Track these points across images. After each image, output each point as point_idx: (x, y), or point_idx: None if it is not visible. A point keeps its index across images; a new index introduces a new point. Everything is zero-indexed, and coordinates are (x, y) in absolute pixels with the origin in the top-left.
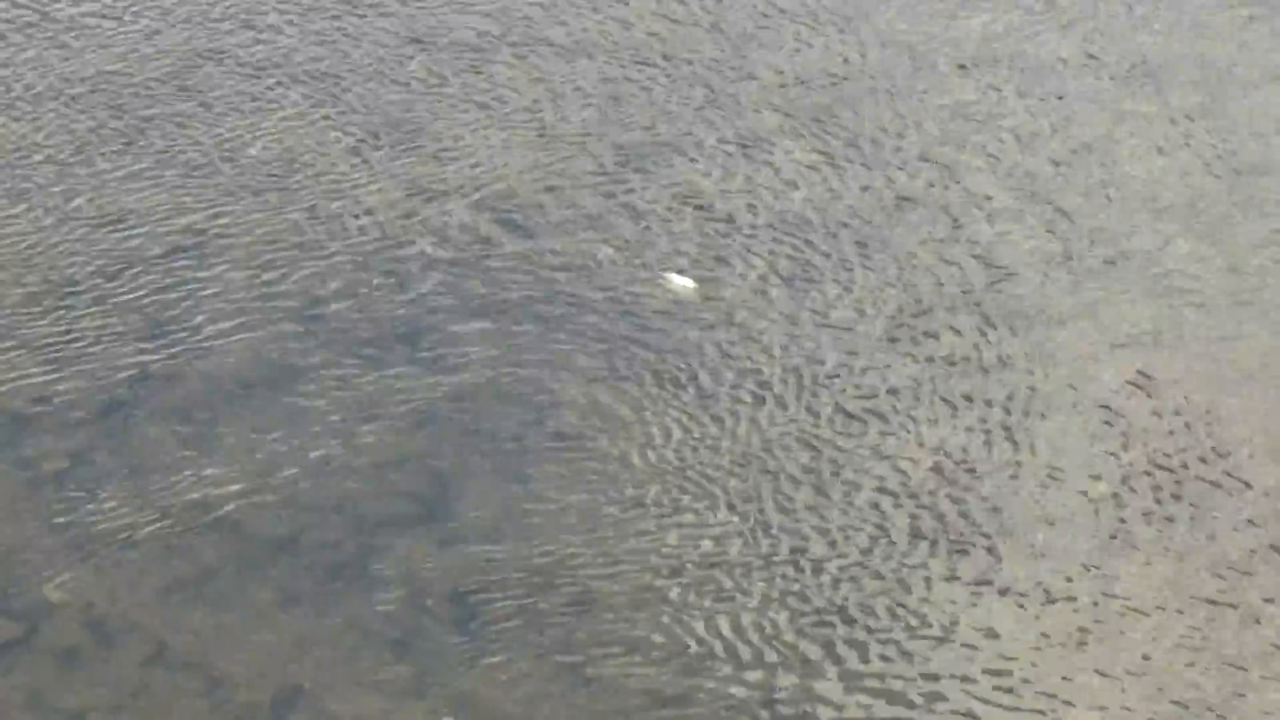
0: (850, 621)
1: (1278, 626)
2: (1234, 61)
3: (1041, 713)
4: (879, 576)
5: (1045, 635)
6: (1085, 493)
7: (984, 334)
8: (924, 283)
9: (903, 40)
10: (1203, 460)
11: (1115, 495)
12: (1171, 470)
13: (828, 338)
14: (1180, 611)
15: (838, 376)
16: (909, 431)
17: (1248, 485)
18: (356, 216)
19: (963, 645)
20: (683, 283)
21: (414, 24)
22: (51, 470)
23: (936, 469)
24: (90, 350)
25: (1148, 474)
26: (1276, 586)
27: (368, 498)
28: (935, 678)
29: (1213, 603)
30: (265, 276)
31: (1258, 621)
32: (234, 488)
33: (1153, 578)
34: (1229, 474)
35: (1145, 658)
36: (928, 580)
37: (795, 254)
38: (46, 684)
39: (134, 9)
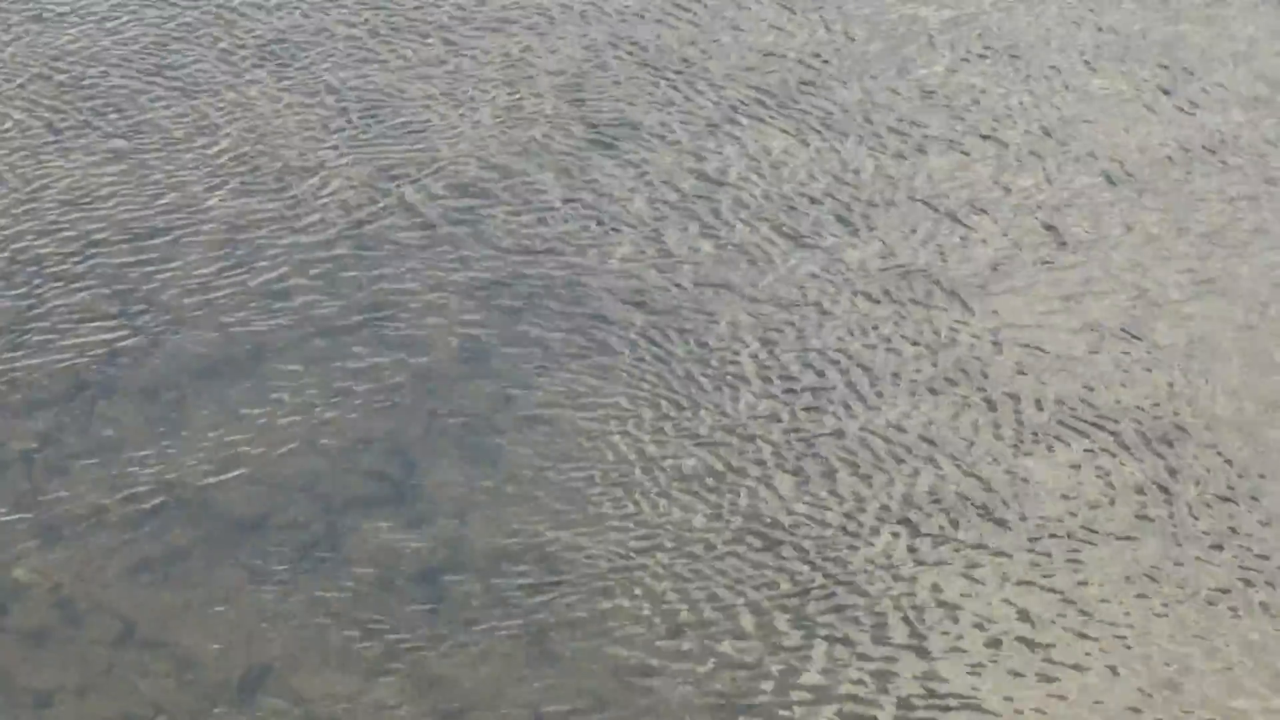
0: (826, 596)
1: None
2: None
3: None
4: (857, 553)
5: None
6: None
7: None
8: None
9: (874, 20)
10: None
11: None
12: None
13: (807, 318)
14: None
15: (813, 351)
16: (890, 409)
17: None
18: (325, 196)
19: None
20: None
21: (384, 1)
22: (19, 450)
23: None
24: (57, 330)
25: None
26: None
27: (336, 477)
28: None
29: None
30: (233, 256)
31: None
32: (202, 468)
33: None
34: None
35: None
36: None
37: (771, 231)
38: (14, 664)
39: None
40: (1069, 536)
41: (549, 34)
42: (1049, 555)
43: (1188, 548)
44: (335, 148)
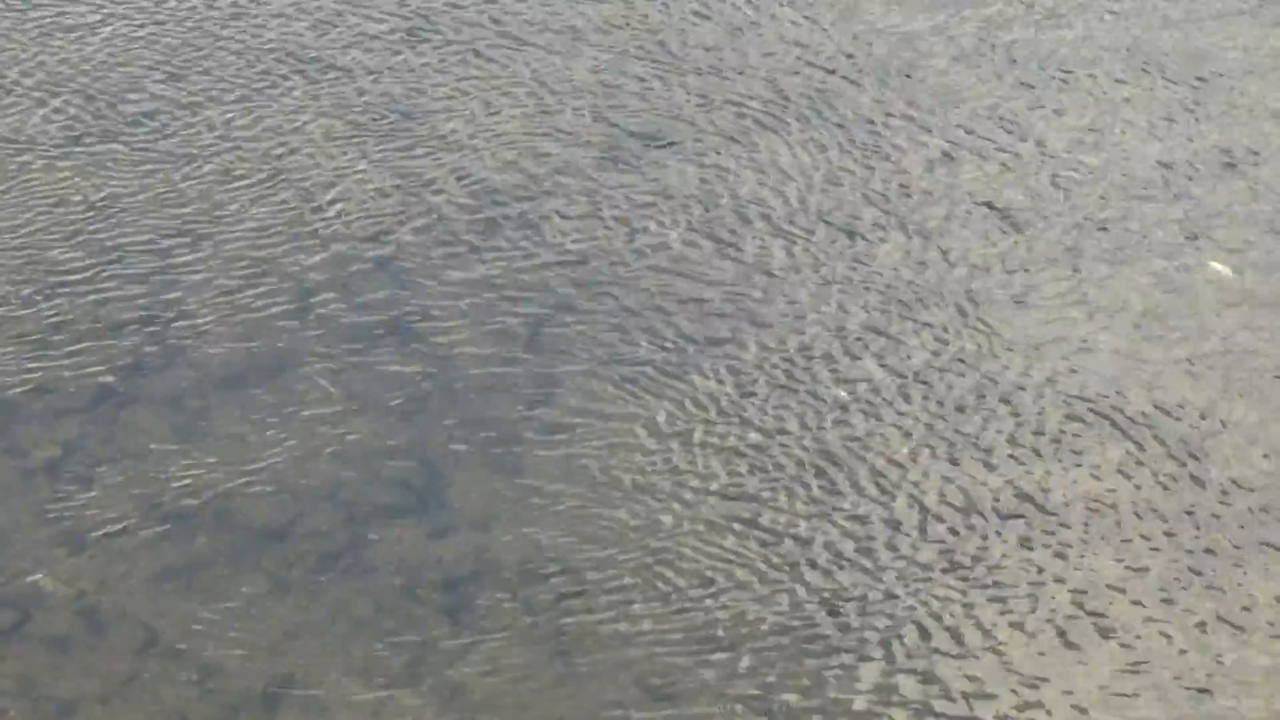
0: (857, 611)
1: None
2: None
3: None
4: (889, 566)
5: None
6: None
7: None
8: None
9: (897, 31)
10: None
11: None
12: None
13: (819, 327)
14: None
15: (825, 359)
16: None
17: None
18: (349, 205)
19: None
20: (1222, 269)
21: (408, 13)
22: (43, 459)
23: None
24: (81, 339)
25: None
26: None
27: (359, 487)
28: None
29: None
30: (257, 265)
31: None
32: (225, 476)
33: None
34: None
35: None
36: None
37: (790, 244)
38: (38, 672)
39: None
40: None
41: (574, 45)
42: None
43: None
44: (359, 157)
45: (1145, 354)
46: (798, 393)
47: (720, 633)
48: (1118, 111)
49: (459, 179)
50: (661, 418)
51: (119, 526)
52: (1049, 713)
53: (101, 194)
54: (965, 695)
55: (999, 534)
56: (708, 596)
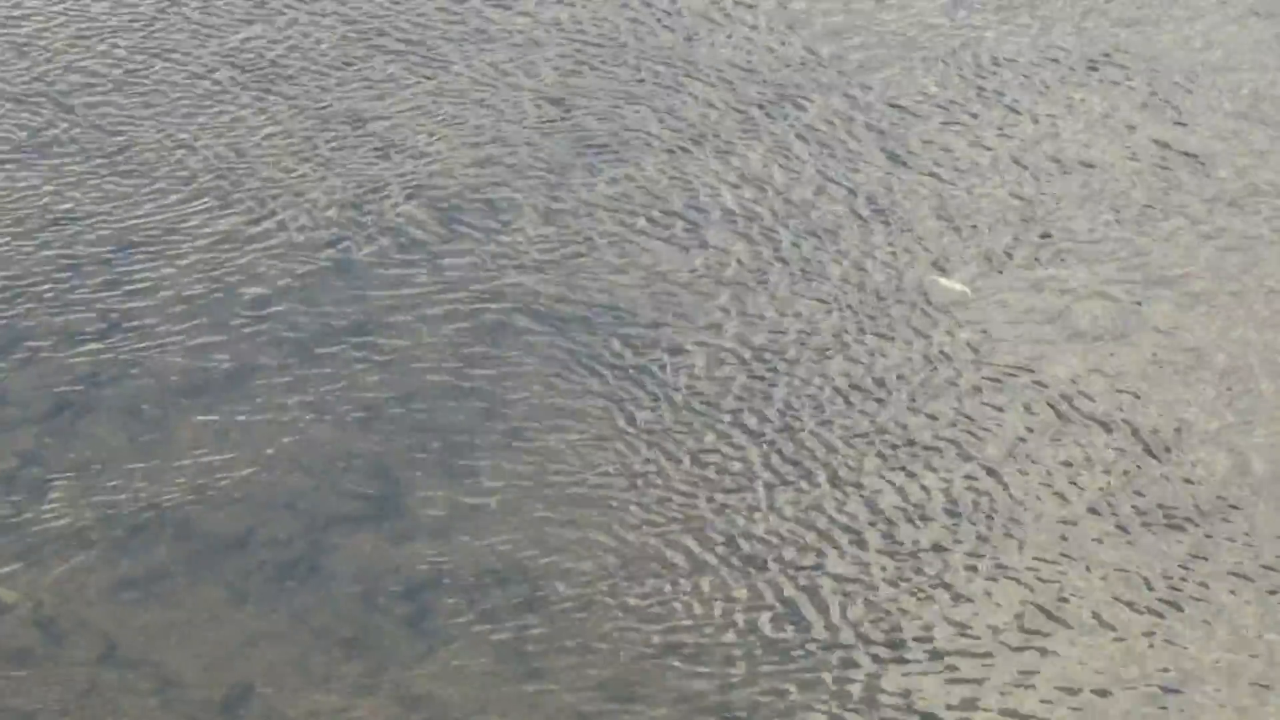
0: (796, 619)
1: None
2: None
3: None
4: (838, 570)
5: None
6: None
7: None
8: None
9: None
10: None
11: None
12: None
13: (795, 339)
14: None
15: (789, 376)
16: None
17: None
18: (306, 214)
19: None
20: (952, 285)
21: (362, 18)
22: (0, 470)
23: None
24: (38, 349)
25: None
26: None
27: (318, 495)
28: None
29: None
30: (215, 274)
31: None
32: (184, 486)
33: None
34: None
35: None
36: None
37: (749, 248)
38: None
39: (77, 6)
40: None
41: (530, 50)
42: None
43: None
44: (316, 166)
45: None
46: (759, 395)
47: (680, 637)
48: (1075, 110)
49: (415, 186)
50: (621, 423)
51: (76, 537)
52: (1014, 714)
53: (58, 205)
54: (927, 696)
55: (954, 533)
56: (668, 601)
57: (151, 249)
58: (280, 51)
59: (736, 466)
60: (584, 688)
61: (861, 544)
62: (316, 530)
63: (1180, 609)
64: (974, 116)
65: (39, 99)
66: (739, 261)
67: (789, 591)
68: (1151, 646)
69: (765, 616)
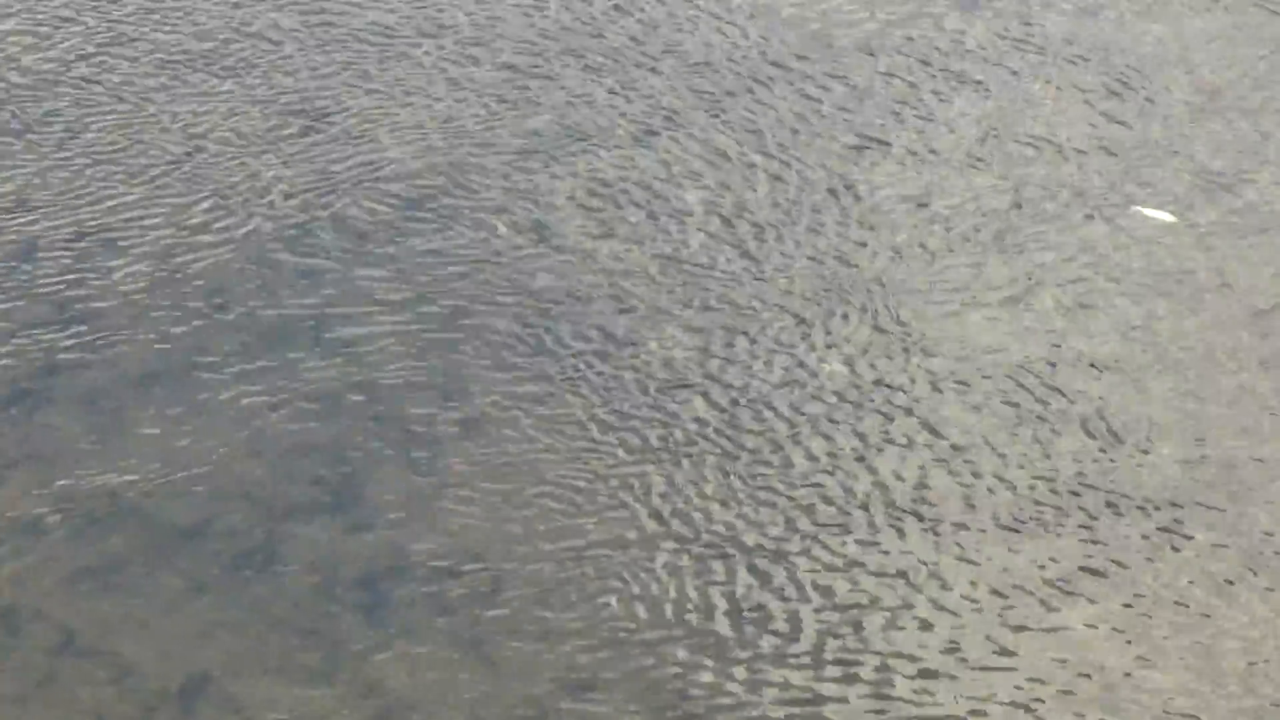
0: (759, 606)
1: None
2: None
3: None
4: (804, 562)
5: None
6: None
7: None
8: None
9: (810, 27)
10: None
11: None
12: None
13: (746, 327)
14: None
15: (746, 353)
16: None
17: None
18: (264, 204)
19: None
20: (1158, 215)
21: (321, 10)
22: None
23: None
24: None
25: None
26: None
27: (276, 485)
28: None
29: None
30: (172, 264)
31: None
32: (141, 476)
33: None
34: None
35: None
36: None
37: (709, 239)
38: None
39: None
40: None
41: (492, 39)
42: None
43: None
44: (274, 156)
45: None
46: (719, 387)
47: (640, 627)
48: (1035, 103)
49: (374, 177)
50: (581, 414)
51: (33, 527)
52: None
53: (11, 193)
54: (892, 688)
55: (915, 524)
56: (627, 591)
57: (106, 238)
58: (238, 40)
59: (696, 457)
60: (543, 676)
61: (831, 530)
62: (274, 520)
63: None
64: (942, 100)
65: None
66: (703, 247)
67: (751, 578)
68: None
69: (726, 604)
